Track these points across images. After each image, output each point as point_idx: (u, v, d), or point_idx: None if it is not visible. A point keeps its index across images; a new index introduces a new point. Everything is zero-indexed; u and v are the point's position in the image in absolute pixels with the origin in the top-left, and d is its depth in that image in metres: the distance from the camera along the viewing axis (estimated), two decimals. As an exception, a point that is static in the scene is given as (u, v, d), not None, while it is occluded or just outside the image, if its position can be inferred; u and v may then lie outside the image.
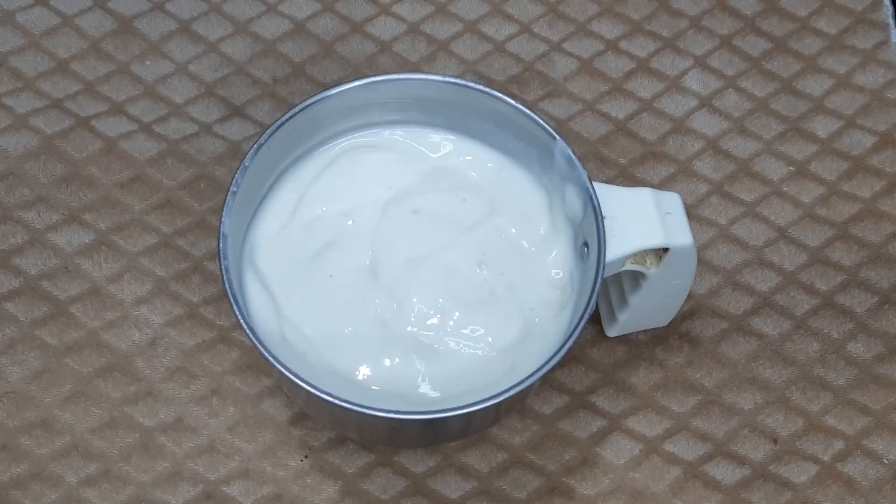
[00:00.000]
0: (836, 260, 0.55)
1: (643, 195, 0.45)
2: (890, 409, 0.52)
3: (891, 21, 0.61)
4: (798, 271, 0.55)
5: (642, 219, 0.45)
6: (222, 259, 0.44)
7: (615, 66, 0.59)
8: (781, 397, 0.52)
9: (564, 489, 0.50)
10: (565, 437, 0.51)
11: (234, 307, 0.43)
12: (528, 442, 0.51)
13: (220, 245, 0.44)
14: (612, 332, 0.52)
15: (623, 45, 0.60)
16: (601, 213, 0.45)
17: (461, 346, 0.46)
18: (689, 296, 0.50)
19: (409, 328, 0.46)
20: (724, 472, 0.51)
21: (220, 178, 0.56)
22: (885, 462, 0.51)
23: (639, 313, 0.50)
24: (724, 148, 0.57)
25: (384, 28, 0.60)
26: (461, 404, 0.43)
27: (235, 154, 0.56)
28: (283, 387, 0.50)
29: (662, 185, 0.56)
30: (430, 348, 0.46)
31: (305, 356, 0.46)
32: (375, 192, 0.49)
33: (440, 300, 0.47)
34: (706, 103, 0.59)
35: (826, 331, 0.54)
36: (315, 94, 0.47)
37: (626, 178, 0.57)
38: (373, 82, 0.47)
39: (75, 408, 0.51)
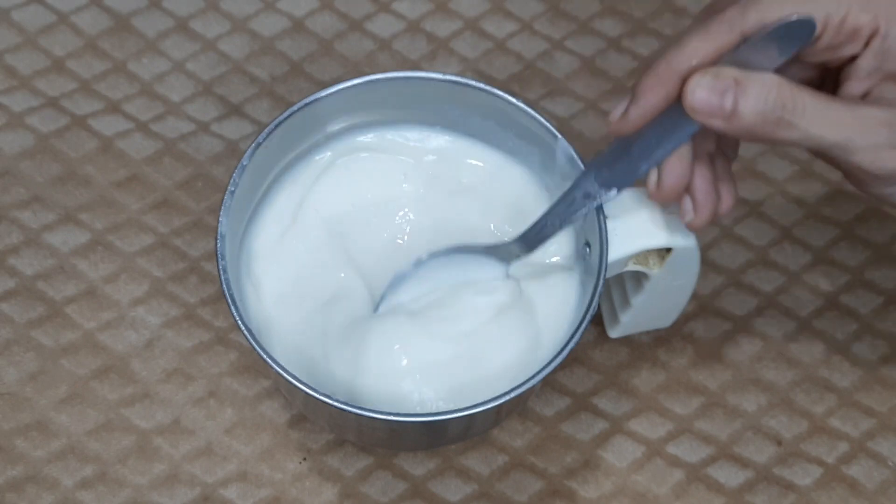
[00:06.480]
0: (841, 260, 0.55)
1: (646, 195, 0.45)
2: (895, 411, 0.52)
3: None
4: (802, 271, 0.55)
5: (645, 218, 0.45)
6: (220, 259, 0.44)
7: (617, 64, 0.59)
8: (785, 399, 0.52)
9: (566, 492, 0.50)
10: (567, 439, 0.51)
11: (232, 308, 0.43)
12: (529, 444, 0.51)
13: (218, 245, 0.44)
14: (614, 333, 0.52)
15: (625, 43, 0.59)
16: (603, 212, 0.44)
17: (462, 347, 0.46)
18: (693, 296, 0.49)
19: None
20: (728, 475, 0.50)
21: (218, 177, 0.55)
22: (890, 464, 0.51)
23: (641, 314, 0.50)
24: (728, 147, 0.57)
25: (384, 26, 0.60)
26: (461, 406, 0.42)
27: (233, 153, 0.56)
28: (282, 389, 0.50)
29: (665, 185, 0.56)
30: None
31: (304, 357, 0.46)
32: (374, 194, 0.49)
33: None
34: (709, 102, 0.58)
35: (831, 332, 0.53)
36: (314, 93, 0.47)
37: (629, 177, 0.56)
38: (372, 81, 0.47)
39: (71, 410, 0.50)
